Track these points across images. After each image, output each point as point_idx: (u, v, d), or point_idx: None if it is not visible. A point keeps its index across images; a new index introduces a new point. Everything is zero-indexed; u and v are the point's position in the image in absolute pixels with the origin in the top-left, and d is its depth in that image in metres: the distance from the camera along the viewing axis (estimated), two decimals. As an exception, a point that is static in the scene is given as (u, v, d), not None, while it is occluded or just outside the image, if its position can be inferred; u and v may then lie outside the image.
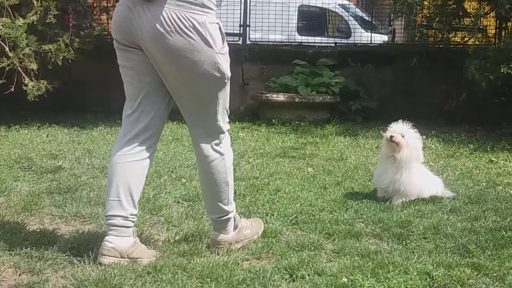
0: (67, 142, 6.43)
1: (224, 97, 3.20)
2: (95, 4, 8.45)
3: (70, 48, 7.10)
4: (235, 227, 3.39)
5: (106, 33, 7.97)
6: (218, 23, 3.08)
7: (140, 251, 3.15)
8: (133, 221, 3.17)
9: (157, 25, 2.94)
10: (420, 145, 4.41)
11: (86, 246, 3.24)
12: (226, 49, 3.11)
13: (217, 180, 3.24)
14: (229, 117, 3.28)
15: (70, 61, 7.09)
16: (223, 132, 3.25)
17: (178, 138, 6.75)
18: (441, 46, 8.58)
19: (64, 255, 3.14)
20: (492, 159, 5.99)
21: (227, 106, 3.25)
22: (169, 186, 4.58)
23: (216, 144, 3.22)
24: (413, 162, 4.35)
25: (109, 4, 8.38)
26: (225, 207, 3.30)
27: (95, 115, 8.18)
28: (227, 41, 3.16)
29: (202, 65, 3.02)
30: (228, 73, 3.13)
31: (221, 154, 3.23)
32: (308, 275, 2.99)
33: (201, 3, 2.99)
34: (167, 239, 3.47)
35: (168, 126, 7.55)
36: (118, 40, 3.13)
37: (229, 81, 3.18)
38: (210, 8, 3.04)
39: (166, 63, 3.04)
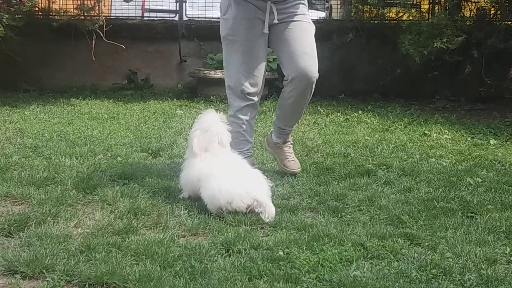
0: (-3, 122, 6.23)
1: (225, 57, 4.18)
2: (25, -21, 8.13)
3: (-1, 24, 6.84)
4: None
5: (37, 9, 7.72)
6: None
7: None
8: None
9: None
10: None
11: (17, 226, 3.16)
12: (227, 16, 4.05)
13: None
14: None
15: (-1, 38, 6.85)
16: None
17: (114, 117, 6.62)
18: (376, 21, 8.65)
19: (-7, 236, 3.05)
20: (426, 132, 6.12)
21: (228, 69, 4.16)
22: (104, 165, 4.49)
23: None
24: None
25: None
26: None
27: (27, 94, 7.94)
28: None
29: None
30: (221, 33, 4.10)
31: None
32: (245, 249, 2.99)
33: None
34: (101, 218, 3.41)
35: (104, 104, 7.41)
36: None
37: (227, 42, 4.08)
38: None
39: None
